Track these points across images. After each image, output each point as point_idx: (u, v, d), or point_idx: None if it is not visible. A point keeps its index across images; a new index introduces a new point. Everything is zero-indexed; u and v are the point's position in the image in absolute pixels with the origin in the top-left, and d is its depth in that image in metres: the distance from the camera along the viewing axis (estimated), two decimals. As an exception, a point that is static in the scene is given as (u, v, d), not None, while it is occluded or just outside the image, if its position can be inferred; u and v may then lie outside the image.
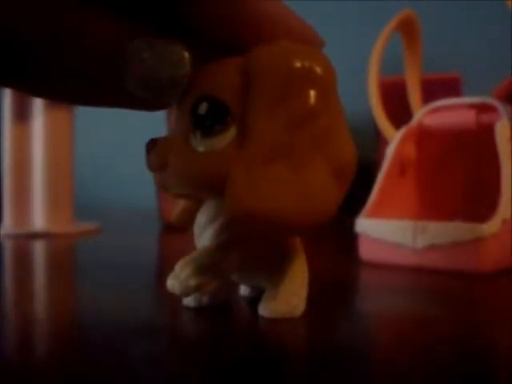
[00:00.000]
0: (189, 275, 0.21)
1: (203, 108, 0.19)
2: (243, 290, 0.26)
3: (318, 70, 0.19)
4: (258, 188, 0.18)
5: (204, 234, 0.23)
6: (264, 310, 0.23)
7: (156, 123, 0.79)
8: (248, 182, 0.18)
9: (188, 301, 0.24)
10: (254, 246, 0.22)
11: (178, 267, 0.22)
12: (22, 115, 0.56)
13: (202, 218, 0.23)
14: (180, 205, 0.25)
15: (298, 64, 0.19)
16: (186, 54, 0.19)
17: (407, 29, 0.42)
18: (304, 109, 0.19)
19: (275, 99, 0.19)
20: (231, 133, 0.19)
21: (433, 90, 0.52)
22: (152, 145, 0.21)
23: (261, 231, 0.20)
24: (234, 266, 0.22)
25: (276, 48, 0.19)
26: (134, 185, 0.95)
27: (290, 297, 0.23)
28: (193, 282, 0.21)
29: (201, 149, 0.19)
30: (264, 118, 0.18)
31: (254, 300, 0.25)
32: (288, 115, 0.18)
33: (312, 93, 0.19)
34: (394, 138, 0.40)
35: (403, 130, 0.40)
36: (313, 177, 0.19)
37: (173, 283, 0.22)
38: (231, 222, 0.18)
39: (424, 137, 0.41)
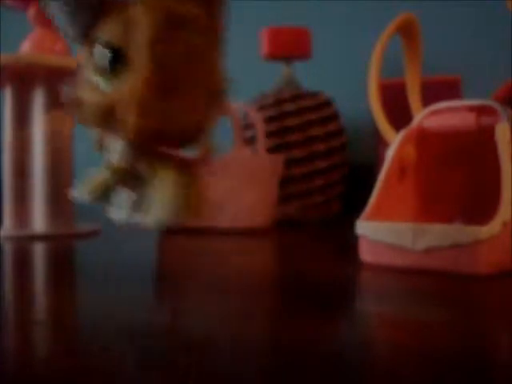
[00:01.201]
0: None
1: (101, 52, 0.23)
2: (119, 214, 0.29)
3: (191, 13, 0.23)
4: (148, 112, 0.22)
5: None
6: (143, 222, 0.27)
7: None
8: (139, 107, 0.22)
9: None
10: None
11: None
12: (22, 117, 0.56)
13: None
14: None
15: (166, 13, 0.23)
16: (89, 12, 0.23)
17: (407, 31, 0.42)
18: (182, 48, 0.23)
19: (155, 40, 0.22)
20: (126, 72, 0.23)
21: (433, 92, 0.52)
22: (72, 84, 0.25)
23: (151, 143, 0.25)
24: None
25: (149, 2, 0.23)
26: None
27: (157, 210, 0.26)
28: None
29: (102, 86, 0.24)
30: (146, 56, 0.22)
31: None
32: (168, 52, 0.23)
33: (186, 34, 0.23)
34: (394, 141, 0.40)
35: (403, 133, 0.40)
36: (188, 103, 0.23)
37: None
38: (130, 139, 0.23)
39: (424, 139, 0.41)
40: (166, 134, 0.23)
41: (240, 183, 0.57)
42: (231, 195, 0.57)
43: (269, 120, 0.67)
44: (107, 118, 0.24)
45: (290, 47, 0.69)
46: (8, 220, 0.56)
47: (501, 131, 0.35)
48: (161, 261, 0.41)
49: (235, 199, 0.57)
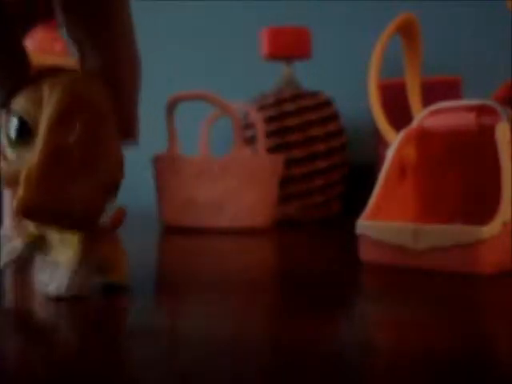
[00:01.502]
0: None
1: (13, 123, 0.24)
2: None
3: (88, 102, 0.24)
4: (36, 191, 0.23)
5: None
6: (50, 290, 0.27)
7: (155, 128, 0.79)
8: (29, 185, 0.23)
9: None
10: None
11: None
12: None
13: None
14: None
15: (71, 97, 0.24)
16: None
17: (407, 31, 0.42)
18: (74, 133, 0.23)
19: (55, 122, 0.23)
20: (32, 146, 0.24)
21: (433, 92, 0.52)
22: None
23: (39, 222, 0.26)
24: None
25: (59, 83, 0.24)
26: (133, 186, 0.95)
27: (60, 279, 0.27)
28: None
29: (11, 156, 0.25)
30: (45, 139, 0.23)
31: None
32: (65, 137, 0.23)
33: (82, 122, 0.23)
34: (394, 141, 0.40)
35: (403, 133, 0.40)
36: (80, 189, 0.23)
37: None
38: (18, 215, 0.24)
39: (424, 139, 0.41)
40: (50, 213, 0.23)
41: (240, 183, 0.57)
42: (231, 195, 0.57)
43: (269, 120, 0.67)
44: (10, 186, 0.25)
45: (290, 47, 0.69)
46: (8, 220, 0.56)
47: (501, 131, 0.35)
48: (161, 261, 0.41)
49: (235, 199, 0.57)
